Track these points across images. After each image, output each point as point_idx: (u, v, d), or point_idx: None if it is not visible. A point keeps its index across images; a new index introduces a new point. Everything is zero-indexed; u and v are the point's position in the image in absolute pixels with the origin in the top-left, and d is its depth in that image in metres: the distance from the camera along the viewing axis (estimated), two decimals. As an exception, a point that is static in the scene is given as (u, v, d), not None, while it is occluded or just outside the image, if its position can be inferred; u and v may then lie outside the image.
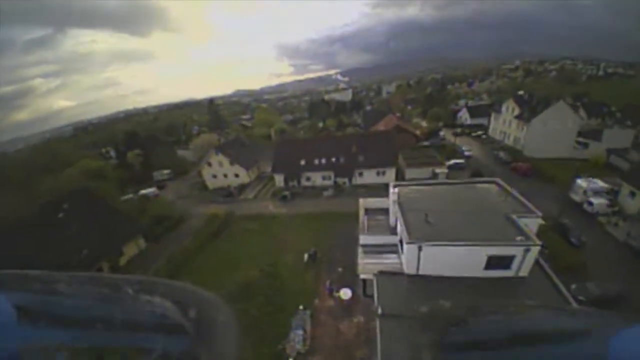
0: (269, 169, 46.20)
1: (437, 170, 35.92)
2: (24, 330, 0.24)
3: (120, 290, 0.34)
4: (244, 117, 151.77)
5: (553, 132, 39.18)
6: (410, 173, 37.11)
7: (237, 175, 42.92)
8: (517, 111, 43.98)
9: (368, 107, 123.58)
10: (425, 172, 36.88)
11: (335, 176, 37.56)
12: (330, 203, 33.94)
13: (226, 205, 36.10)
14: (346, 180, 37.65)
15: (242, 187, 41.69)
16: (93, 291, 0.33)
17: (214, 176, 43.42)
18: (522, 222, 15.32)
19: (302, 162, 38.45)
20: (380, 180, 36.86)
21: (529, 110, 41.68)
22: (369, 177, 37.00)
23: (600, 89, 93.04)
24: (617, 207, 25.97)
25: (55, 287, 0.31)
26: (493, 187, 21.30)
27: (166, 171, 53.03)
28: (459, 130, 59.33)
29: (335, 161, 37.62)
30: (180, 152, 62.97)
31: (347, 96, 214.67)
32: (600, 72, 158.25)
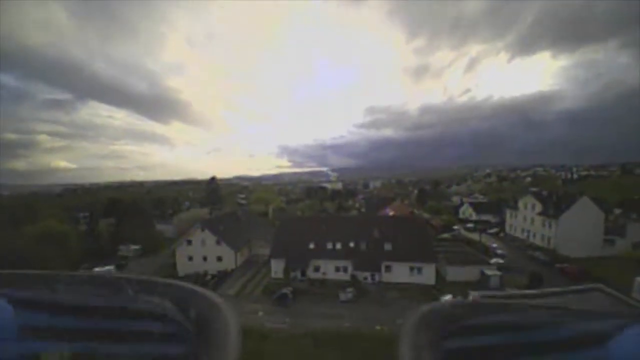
0: (262, 251, 34.93)
1: (488, 272, 26.23)
2: (24, 331, 0.22)
3: (120, 290, 0.32)
4: (241, 196, 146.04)
5: (582, 229, 33.59)
6: (452, 273, 27.06)
7: (220, 259, 31.07)
8: (538, 208, 38.68)
9: (361, 196, 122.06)
10: (471, 272, 27.00)
11: (355, 268, 26.71)
12: (351, 313, 21.97)
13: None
14: (368, 275, 26.73)
15: (223, 276, 29.27)
16: (93, 291, 0.31)
17: (190, 258, 31.31)
18: None
19: (311, 246, 28.15)
20: (416, 279, 26.28)
21: (554, 206, 36.40)
22: (400, 273, 26.41)
23: (583, 189, 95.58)
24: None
25: (55, 287, 0.29)
26: (598, 294, 14.29)
27: (134, 246, 40.40)
28: (471, 225, 52.82)
29: (353, 247, 27.65)
30: (160, 227, 51.19)
31: (337, 186, 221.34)
32: (575, 176, 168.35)
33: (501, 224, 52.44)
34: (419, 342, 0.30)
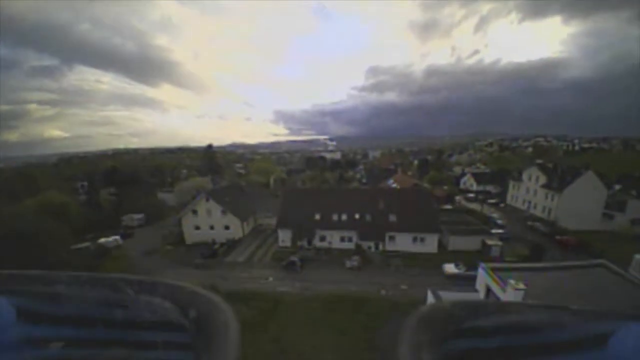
0: (267, 221, 35.43)
1: (490, 242, 26.88)
2: (24, 331, 0.23)
3: (120, 290, 0.33)
4: (238, 165, 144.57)
5: (584, 203, 34.02)
6: (454, 243, 27.75)
7: (227, 228, 31.52)
8: (543, 180, 38.53)
9: (360, 166, 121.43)
10: (472, 242, 27.73)
11: (360, 238, 27.30)
12: (357, 279, 22.89)
13: (206, 273, 24.01)
14: (372, 244, 27.41)
15: (231, 244, 29.98)
16: (93, 291, 0.31)
17: (197, 227, 31.71)
18: None
19: (317, 217, 28.38)
20: (419, 248, 27.04)
21: (558, 179, 36.23)
22: (404, 243, 27.10)
23: (584, 162, 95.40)
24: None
25: (56, 288, 0.30)
26: (601, 270, 14.92)
27: (138, 216, 40.66)
28: (472, 196, 53.35)
29: (359, 219, 27.92)
30: (161, 196, 51.23)
31: (337, 156, 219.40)
32: (577, 148, 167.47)
33: (502, 195, 53.00)
34: (418, 342, 0.29)
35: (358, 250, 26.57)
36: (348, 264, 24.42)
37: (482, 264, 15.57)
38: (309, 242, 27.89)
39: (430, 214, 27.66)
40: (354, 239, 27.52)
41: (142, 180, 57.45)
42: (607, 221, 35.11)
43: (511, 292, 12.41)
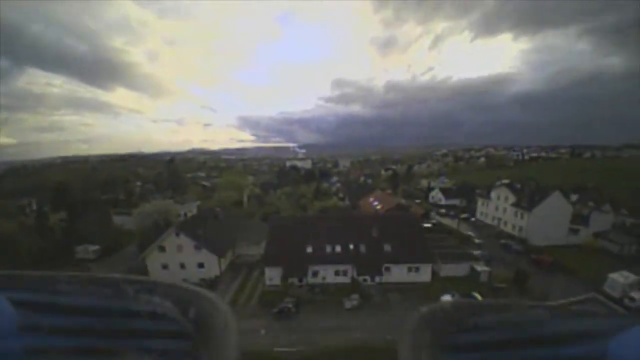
0: (246, 250, 31.64)
1: (478, 268, 27.09)
2: (24, 331, 0.23)
3: (120, 290, 0.33)
4: (201, 174, 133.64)
5: (552, 220, 36.72)
6: (446, 270, 27.40)
7: (201, 266, 27.08)
8: (512, 199, 41.38)
9: (334, 178, 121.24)
10: (462, 268, 27.71)
11: (357, 273, 25.33)
12: (358, 321, 20.76)
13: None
14: (368, 277, 25.66)
15: (207, 286, 25.68)
16: (93, 291, 0.31)
17: (165, 267, 26.71)
18: None
19: (309, 250, 25.78)
20: (413, 278, 26.04)
21: (527, 198, 39.13)
22: (399, 274, 25.86)
23: (531, 171, 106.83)
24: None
25: (56, 288, 0.30)
26: (594, 304, 15.85)
27: (93, 247, 33.85)
28: (443, 211, 55.60)
29: (353, 250, 26.05)
30: (117, 219, 43.56)
31: (307, 164, 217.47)
32: (526, 157, 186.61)
33: (469, 208, 56.17)
34: (419, 343, 0.29)
35: (355, 285, 24.59)
36: (347, 304, 22.23)
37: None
38: (300, 280, 25.08)
39: (422, 242, 27.04)
40: (350, 272, 25.51)
41: (96, 201, 48.74)
42: (573, 236, 37.61)
43: None
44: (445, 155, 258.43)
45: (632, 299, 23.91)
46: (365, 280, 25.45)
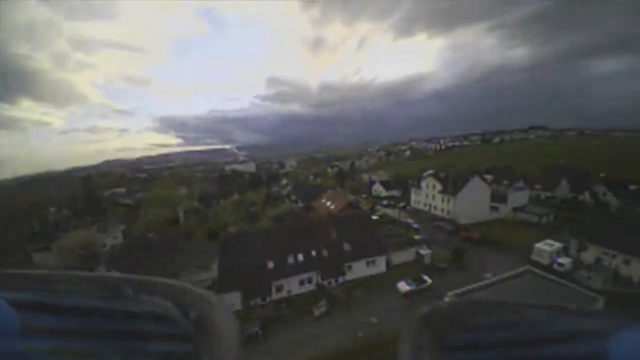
0: (194, 277, 28.06)
1: (422, 252, 30.73)
2: (24, 331, 0.21)
3: (120, 290, 0.32)
4: (119, 190, 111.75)
5: (475, 201, 43.81)
6: (397, 257, 30.09)
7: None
8: (439, 187, 48.35)
9: (284, 181, 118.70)
10: (409, 254, 30.95)
11: (322, 277, 25.33)
12: (330, 326, 20.85)
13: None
14: (332, 280, 26.05)
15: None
16: (93, 291, 0.30)
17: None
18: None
19: (270, 265, 24.44)
20: (371, 271, 27.79)
21: (451, 185, 46.27)
22: (359, 270, 27.14)
23: (449, 159, 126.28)
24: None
25: (56, 287, 0.29)
26: (529, 276, 18.59)
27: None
28: (385, 202, 61.08)
29: (316, 255, 25.99)
30: (37, 257, 33.62)
31: (250, 167, 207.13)
32: (443, 147, 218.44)
33: (405, 198, 63.34)
34: (419, 343, 0.29)
35: (321, 291, 24.63)
36: (316, 312, 22.04)
37: (451, 295, 16.99)
38: (264, 299, 23.64)
39: (375, 236, 29.09)
40: (314, 279, 25.42)
41: (10, 239, 36.25)
42: (495, 212, 44.65)
43: None
44: (378, 150, 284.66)
45: (561, 264, 26.35)
46: (330, 283, 25.82)
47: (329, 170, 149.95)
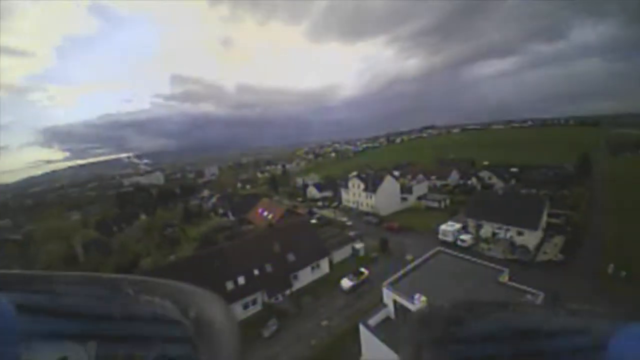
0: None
1: (357, 246, 33.86)
2: (24, 331, 0.23)
3: (120, 290, 0.32)
4: (2, 223, 78.76)
5: (390, 195, 52.00)
6: (337, 256, 32.09)
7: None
8: (362, 186, 54.33)
9: (206, 192, 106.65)
10: (347, 250, 33.54)
11: (269, 295, 24.26)
12: (282, 342, 20.37)
13: None
14: (280, 295, 25.44)
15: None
16: (93, 291, 0.31)
17: None
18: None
19: (208, 294, 21.72)
20: (316, 275, 28.75)
21: (372, 184, 52.77)
22: (305, 277, 27.54)
23: (366, 159, 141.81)
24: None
25: (56, 287, 0.29)
26: (442, 256, 22.36)
27: None
28: (320, 204, 63.88)
29: (260, 274, 24.73)
30: None
31: (157, 179, 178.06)
32: (360, 148, 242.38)
33: (337, 198, 67.91)
34: (419, 342, 0.30)
35: (268, 310, 23.70)
36: (266, 332, 21.12)
37: (387, 285, 19.35)
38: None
39: (316, 240, 30.22)
40: (260, 298, 24.21)
41: None
42: (404, 202, 53.57)
43: (419, 304, 16.51)
44: (307, 153, 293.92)
45: (463, 241, 31.74)
46: (277, 298, 25.18)
47: (260, 175, 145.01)
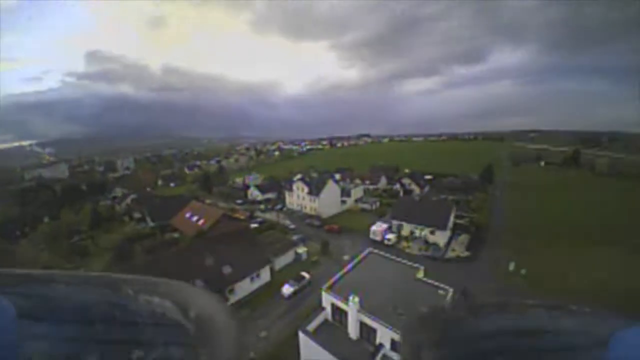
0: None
1: (299, 251, 34.33)
2: (24, 330, 0.23)
3: (120, 290, 0.33)
4: None
5: (331, 198, 54.95)
6: (279, 263, 31.82)
7: None
8: (306, 190, 55.44)
9: (119, 190, 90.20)
10: (290, 256, 33.65)
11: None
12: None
13: None
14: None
15: None
16: (93, 291, 0.31)
17: None
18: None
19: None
20: (257, 284, 27.89)
21: (315, 188, 54.44)
22: (243, 289, 26.30)
23: (310, 161, 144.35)
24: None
25: (56, 287, 0.30)
26: (373, 257, 25.04)
27: None
28: (262, 206, 61.91)
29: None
30: None
31: (60, 172, 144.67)
32: (304, 149, 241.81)
33: (279, 199, 67.16)
34: (419, 342, 0.31)
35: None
36: (197, 354, 19.39)
37: (325, 289, 20.29)
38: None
39: (257, 247, 29.36)
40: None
41: None
42: (343, 205, 57.09)
43: (352, 304, 17.92)
44: (248, 149, 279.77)
45: (389, 239, 37.14)
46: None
47: (188, 172, 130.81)
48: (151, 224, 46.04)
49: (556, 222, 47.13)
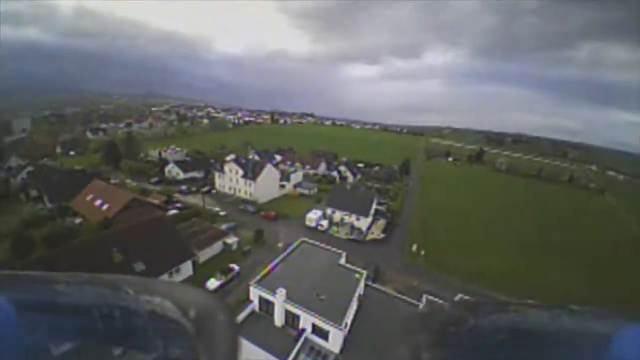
0: None
1: (228, 241, 33.11)
2: (24, 331, 0.24)
3: (120, 290, 0.34)
4: None
5: (269, 183, 53.61)
6: (204, 255, 30.05)
7: None
8: (241, 172, 52.57)
9: (14, 159, 65.02)
10: (217, 247, 32.13)
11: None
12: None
13: None
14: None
15: None
16: (93, 291, 0.32)
17: None
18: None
19: None
20: (176, 280, 25.73)
21: (251, 171, 52.17)
22: (160, 286, 24.06)
23: (247, 135, 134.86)
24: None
25: (56, 288, 0.30)
26: (304, 246, 26.73)
27: None
28: (184, 188, 55.35)
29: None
30: None
31: None
32: (241, 121, 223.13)
33: (206, 179, 61.39)
34: (418, 342, 0.31)
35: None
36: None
37: (253, 283, 20.65)
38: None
39: (175, 239, 26.86)
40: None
41: None
42: (282, 189, 56.14)
43: (280, 296, 19.05)
44: (167, 111, 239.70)
45: (322, 225, 40.15)
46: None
47: (91, 136, 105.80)
48: (49, 205, 36.53)
49: (457, 211, 59.78)
